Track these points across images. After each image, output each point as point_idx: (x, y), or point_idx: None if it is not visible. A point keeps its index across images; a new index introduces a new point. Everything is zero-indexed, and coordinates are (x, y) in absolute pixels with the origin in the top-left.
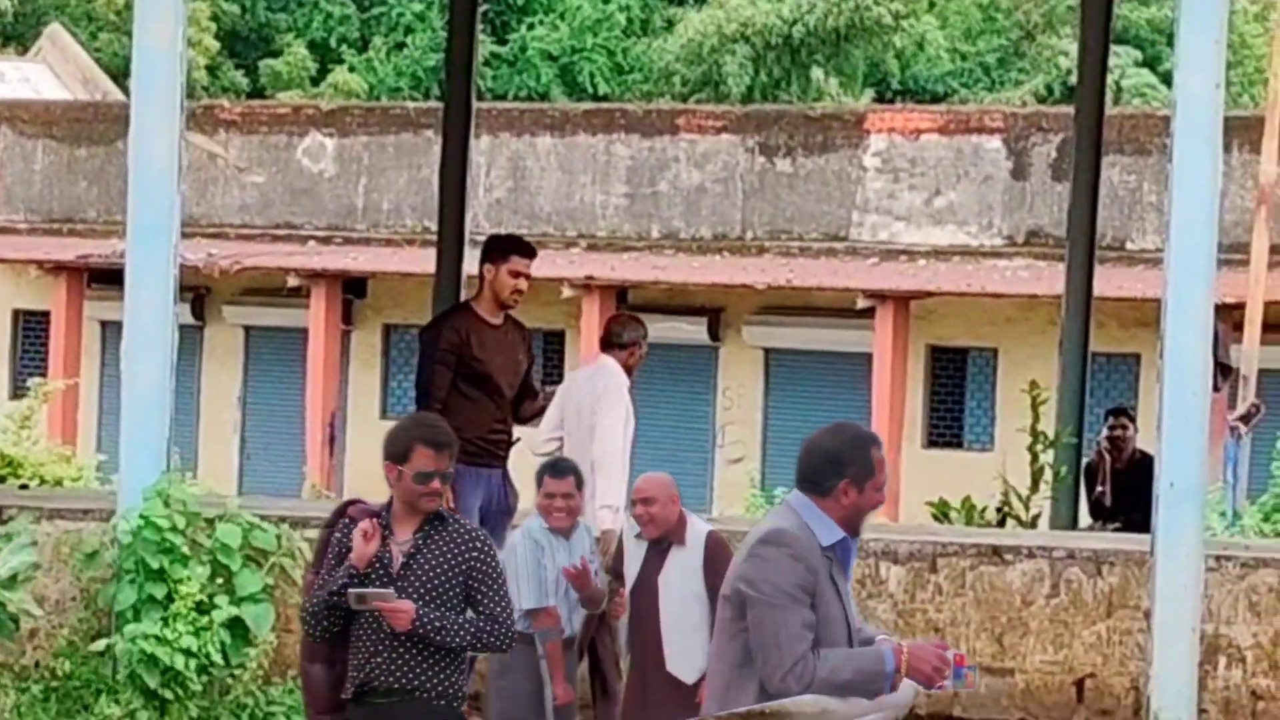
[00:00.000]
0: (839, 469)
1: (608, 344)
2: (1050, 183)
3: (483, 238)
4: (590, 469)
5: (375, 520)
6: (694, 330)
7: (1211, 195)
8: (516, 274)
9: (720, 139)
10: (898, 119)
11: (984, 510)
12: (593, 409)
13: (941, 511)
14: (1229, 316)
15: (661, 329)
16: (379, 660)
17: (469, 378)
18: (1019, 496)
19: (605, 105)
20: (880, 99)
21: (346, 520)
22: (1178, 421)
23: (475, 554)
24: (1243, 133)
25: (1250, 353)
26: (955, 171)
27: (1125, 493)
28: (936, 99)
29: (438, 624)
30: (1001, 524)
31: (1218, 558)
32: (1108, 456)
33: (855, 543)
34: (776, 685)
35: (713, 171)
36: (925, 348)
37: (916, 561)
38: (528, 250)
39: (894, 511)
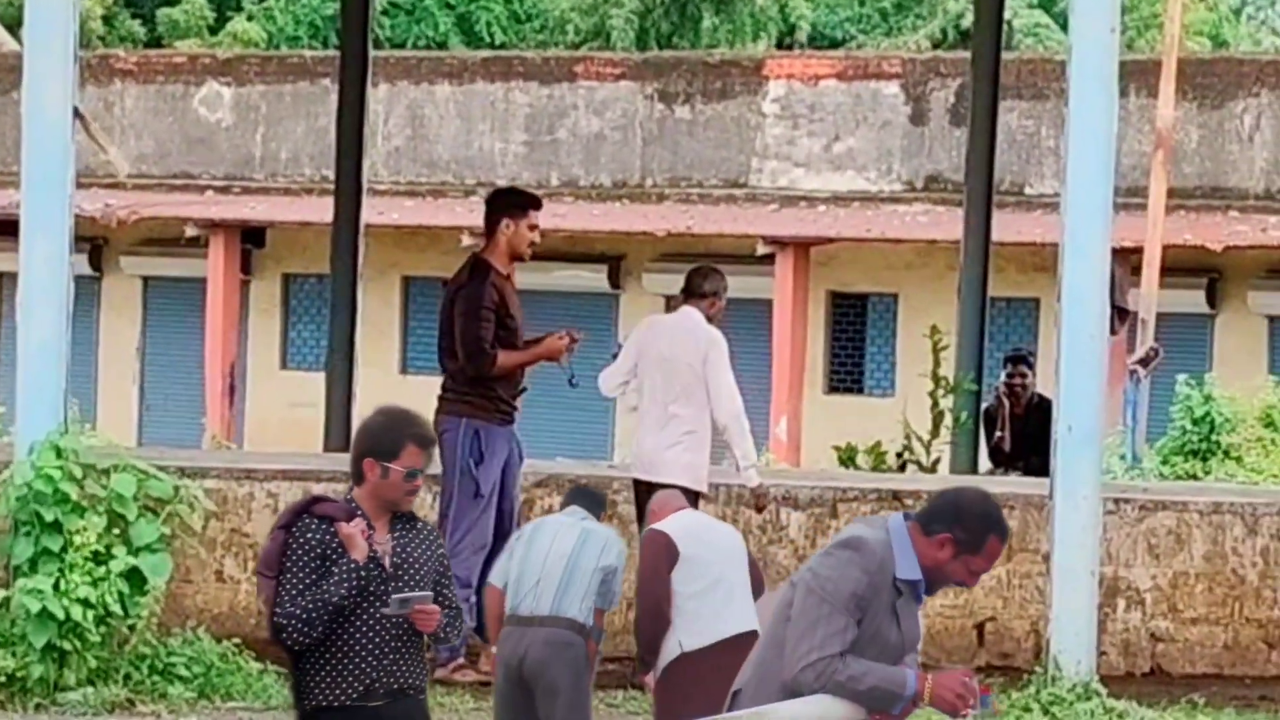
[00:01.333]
0: (953, 524)
1: (689, 294)
2: (949, 128)
3: (382, 186)
4: (664, 413)
5: (360, 518)
6: (594, 278)
7: (1108, 139)
8: (534, 227)
9: (619, 86)
10: (796, 65)
11: (890, 455)
12: (690, 365)
13: (849, 456)
14: (1127, 260)
15: (561, 277)
16: (387, 662)
17: (502, 335)
18: (920, 441)
19: (503, 53)
20: (779, 45)
21: (312, 520)
22: (1075, 365)
23: (440, 550)
24: (1140, 77)
25: (1149, 297)
26: (854, 117)
27: (1024, 437)
28: (835, 45)
29: (444, 622)
30: (902, 469)
31: (1116, 501)
32: (1007, 401)
33: (924, 593)
34: (793, 673)
35: (611, 119)
36: (825, 294)
37: (817, 507)
38: (540, 204)
39: (795, 457)
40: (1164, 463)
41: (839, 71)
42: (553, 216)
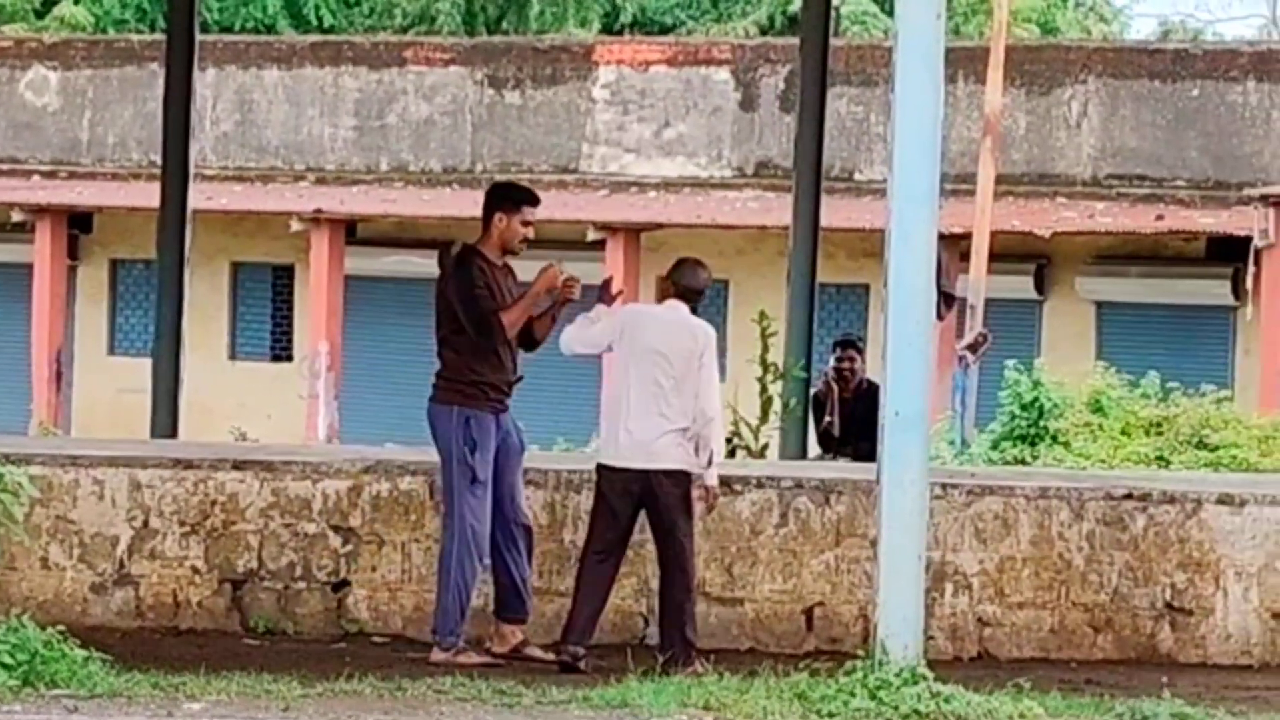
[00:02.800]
0: None
1: (675, 288)
2: (779, 114)
3: (210, 171)
4: (657, 403)
5: None
6: (424, 264)
7: (934, 125)
8: (527, 223)
9: (448, 71)
10: (626, 51)
11: None
12: (686, 357)
13: None
14: (955, 247)
15: (391, 263)
16: None
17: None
18: (749, 427)
19: (332, 38)
20: (606, 30)
21: None
22: (901, 350)
23: None
24: (968, 63)
25: (977, 282)
26: (684, 103)
27: (853, 422)
28: (665, 30)
29: None
30: (731, 455)
31: (944, 486)
32: (835, 386)
33: None
34: None
35: (441, 104)
36: (656, 279)
37: None
38: (536, 200)
39: None
40: (993, 448)
41: (669, 57)
42: (382, 202)
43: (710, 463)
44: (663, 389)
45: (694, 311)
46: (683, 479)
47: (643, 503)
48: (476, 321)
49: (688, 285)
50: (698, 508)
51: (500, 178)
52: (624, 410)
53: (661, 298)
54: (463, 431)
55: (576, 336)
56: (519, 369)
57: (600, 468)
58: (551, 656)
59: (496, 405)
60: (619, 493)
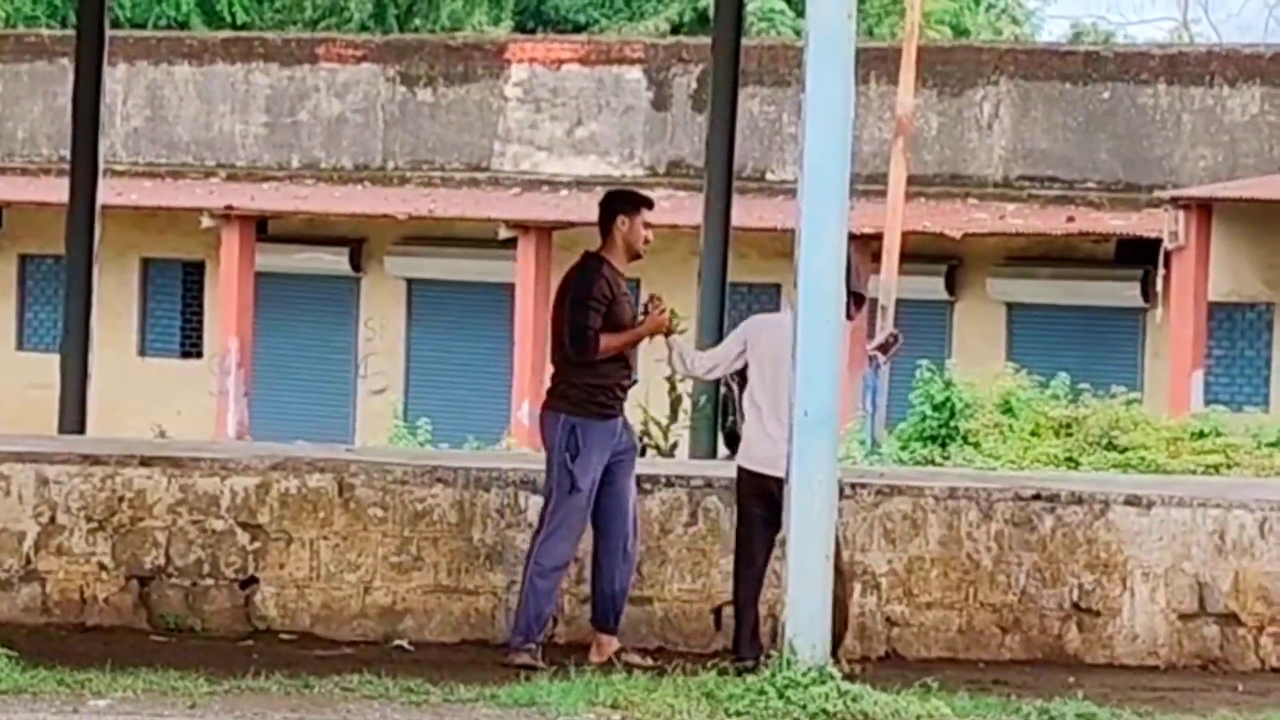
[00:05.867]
0: None
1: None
2: (691, 113)
3: (120, 167)
4: (777, 406)
5: None
6: (335, 260)
7: (844, 125)
8: (648, 225)
9: (360, 68)
10: (539, 49)
11: None
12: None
13: None
14: (866, 247)
15: (302, 259)
16: None
17: (610, 329)
18: (659, 426)
19: (244, 34)
20: (521, 29)
21: None
22: (811, 349)
23: None
24: (880, 64)
25: (888, 283)
26: (597, 102)
27: None
28: (578, 29)
29: None
30: (641, 454)
31: (853, 485)
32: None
33: None
34: None
35: (353, 101)
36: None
37: None
38: (652, 203)
39: (538, 441)
40: (903, 448)
41: (581, 56)
42: (293, 199)
43: None
44: (785, 394)
45: None
46: None
47: (769, 506)
48: (576, 332)
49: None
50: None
51: (412, 175)
52: (761, 418)
53: None
54: (567, 438)
55: (703, 361)
56: (635, 372)
57: (741, 471)
58: (650, 662)
59: (606, 411)
60: (757, 494)
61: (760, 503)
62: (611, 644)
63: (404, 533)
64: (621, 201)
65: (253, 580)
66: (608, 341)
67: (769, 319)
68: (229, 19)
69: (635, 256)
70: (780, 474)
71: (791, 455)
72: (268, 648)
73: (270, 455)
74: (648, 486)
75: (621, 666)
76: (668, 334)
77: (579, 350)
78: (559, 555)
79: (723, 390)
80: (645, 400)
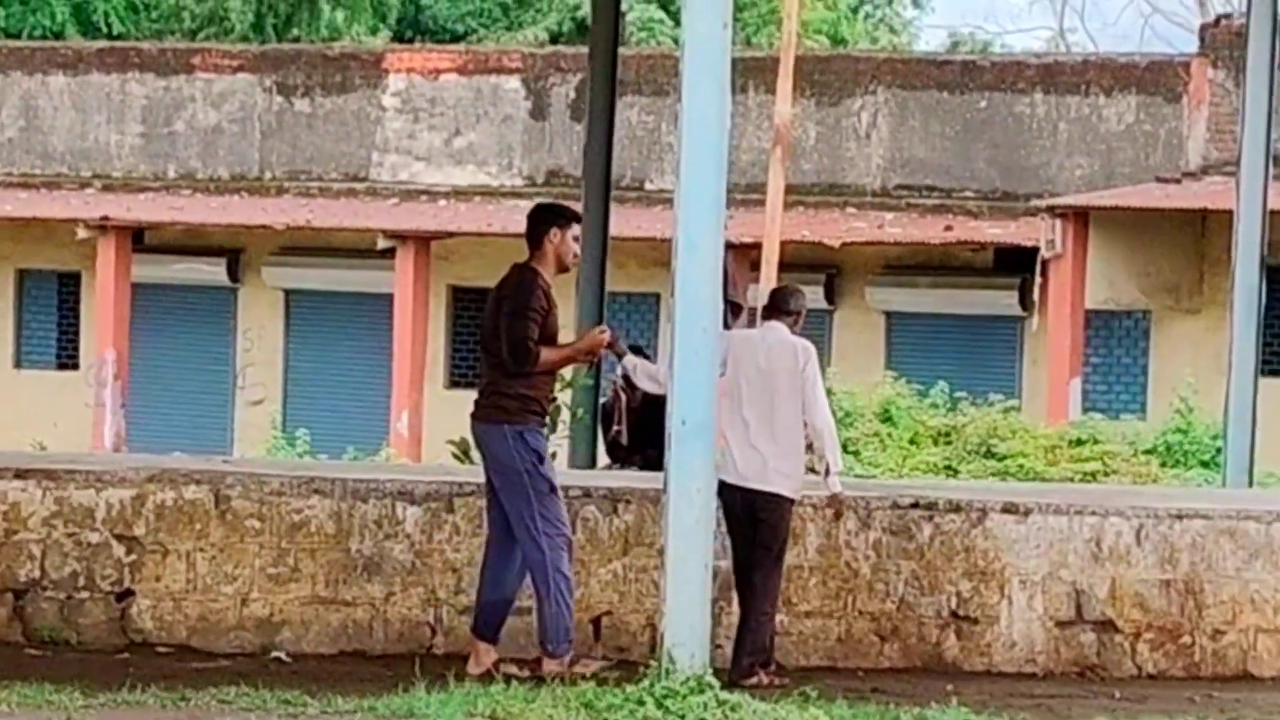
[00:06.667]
0: None
1: (776, 311)
2: (570, 123)
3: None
4: (764, 421)
5: None
6: (213, 271)
7: (720, 134)
8: (576, 239)
9: (237, 78)
10: (417, 59)
11: None
12: (789, 375)
13: (462, 451)
14: (745, 256)
15: (179, 270)
16: None
17: (544, 342)
18: None
19: (119, 44)
20: (399, 38)
21: None
22: (688, 358)
23: None
24: (758, 73)
25: (766, 292)
26: (475, 111)
27: (642, 431)
28: (456, 38)
29: None
30: None
31: None
32: (624, 395)
33: None
34: None
35: (230, 111)
36: (446, 288)
37: (433, 502)
38: (580, 217)
39: (416, 451)
40: None
41: (459, 65)
42: (169, 209)
43: (829, 472)
44: (773, 406)
45: (795, 329)
46: (782, 504)
47: (751, 520)
48: (515, 343)
49: (780, 304)
50: (825, 514)
51: (289, 185)
52: (741, 431)
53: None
54: (521, 447)
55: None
56: (554, 390)
57: (722, 485)
58: (528, 673)
59: (539, 421)
60: (741, 509)
61: (744, 517)
62: (490, 654)
63: (281, 544)
64: (554, 215)
65: (129, 593)
66: (546, 355)
67: (743, 335)
68: (105, 29)
69: (563, 269)
70: (766, 488)
71: (669, 464)
72: (144, 660)
73: (146, 467)
74: None
75: (500, 677)
76: (620, 356)
77: (518, 361)
78: (567, 555)
79: (605, 398)
80: None
